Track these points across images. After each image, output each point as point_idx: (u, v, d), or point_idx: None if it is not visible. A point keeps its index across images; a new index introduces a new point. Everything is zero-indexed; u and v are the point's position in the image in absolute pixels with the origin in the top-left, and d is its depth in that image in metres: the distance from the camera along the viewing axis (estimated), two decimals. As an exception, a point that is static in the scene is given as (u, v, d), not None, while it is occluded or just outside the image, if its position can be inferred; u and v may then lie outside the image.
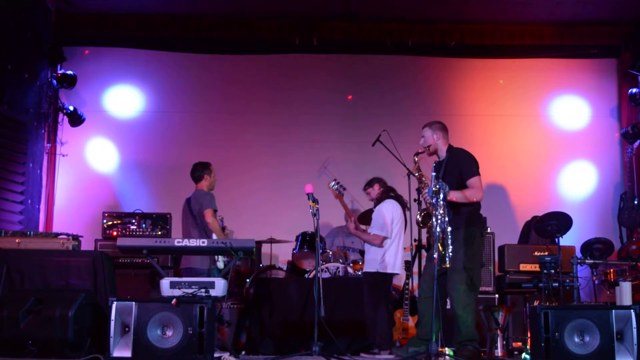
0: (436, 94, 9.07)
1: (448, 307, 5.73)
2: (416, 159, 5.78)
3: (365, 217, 7.12)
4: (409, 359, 5.47)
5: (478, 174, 5.59)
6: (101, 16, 8.75)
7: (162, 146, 8.87)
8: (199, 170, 6.57)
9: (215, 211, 6.38)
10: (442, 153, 5.75)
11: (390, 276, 6.41)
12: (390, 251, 6.33)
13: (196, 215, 6.40)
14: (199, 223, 6.39)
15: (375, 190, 6.55)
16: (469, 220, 5.50)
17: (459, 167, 5.62)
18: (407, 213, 6.65)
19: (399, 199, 6.52)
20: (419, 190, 6.22)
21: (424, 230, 7.10)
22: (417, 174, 5.81)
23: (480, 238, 5.60)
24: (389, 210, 6.37)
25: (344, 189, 7.66)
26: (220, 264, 6.44)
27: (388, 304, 6.41)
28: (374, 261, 6.36)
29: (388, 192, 6.50)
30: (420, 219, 5.68)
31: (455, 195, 5.44)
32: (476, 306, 5.60)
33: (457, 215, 5.47)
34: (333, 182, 7.61)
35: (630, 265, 6.70)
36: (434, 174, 5.36)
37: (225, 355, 5.21)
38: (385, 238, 6.31)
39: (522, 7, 8.48)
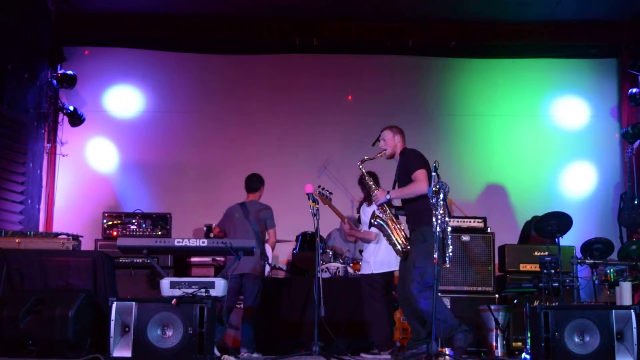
0: (436, 94, 9.06)
1: (449, 306, 5.74)
2: (361, 166, 5.84)
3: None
4: (408, 359, 5.48)
5: (422, 167, 5.55)
6: (101, 16, 8.74)
7: (162, 146, 8.87)
8: (258, 182, 7.06)
9: None
10: (397, 156, 5.78)
11: (386, 275, 6.40)
12: (380, 250, 6.35)
13: (254, 223, 6.76)
14: (257, 230, 6.73)
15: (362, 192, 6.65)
16: (419, 219, 5.49)
17: (405, 166, 5.63)
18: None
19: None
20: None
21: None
22: (365, 179, 5.86)
23: (430, 236, 5.54)
24: (372, 208, 6.42)
25: (330, 193, 7.64)
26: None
27: (388, 304, 6.41)
28: (367, 263, 6.40)
29: (369, 195, 6.55)
30: (375, 223, 5.73)
31: (396, 194, 5.56)
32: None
33: (411, 216, 5.57)
34: (318, 189, 7.46)
35: (630, 265, 6.69)
36: (434, 174, 5.36)
37: (225, 355, 5.21)
38: (377, 233, 6.35)
39: (522, 7, 8.47)
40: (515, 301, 7.12)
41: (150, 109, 8.98)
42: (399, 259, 6.50)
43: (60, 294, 5.41)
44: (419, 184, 5.48)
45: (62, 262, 5.89)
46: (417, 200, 5.52)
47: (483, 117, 8.97)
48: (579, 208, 8.50)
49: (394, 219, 5.71)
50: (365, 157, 5.82)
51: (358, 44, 8.98)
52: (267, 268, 6.96)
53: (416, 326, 5.60)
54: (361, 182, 6.67)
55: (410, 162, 5.62)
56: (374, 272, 6.35)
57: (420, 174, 5.52)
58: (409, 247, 5.58)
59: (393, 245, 5.71)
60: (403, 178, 5.61)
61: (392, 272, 6.44)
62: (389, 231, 5.66)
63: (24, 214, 7.87)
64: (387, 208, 5.71)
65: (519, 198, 8.80)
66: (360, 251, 7.40)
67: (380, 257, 6.36)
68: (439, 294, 5.72)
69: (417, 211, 5.49)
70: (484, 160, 8.64)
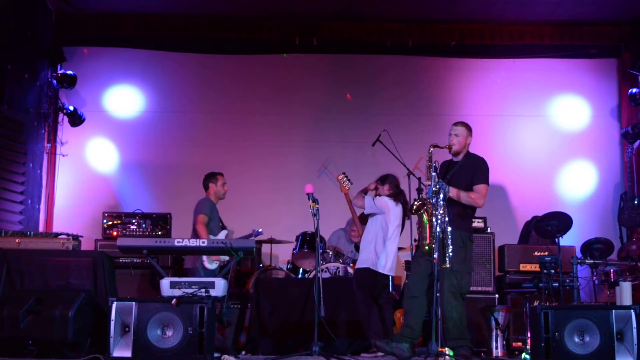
0: (436, 94, 9.06)
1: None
2: (431, 149, 5.56)
3: (365, 217, 7.12)
4: (408, 358, 5.48)
5: (487, 183, 5.63)
6: (101, 16, 8.74)
7: (162, 146, 8.87)
8: (205, 180, 7.10)
9: (206, 216, 6.77)
10: (461, 156, 5.76)
11: (381, 276, 6.39)
12: (383, 252, 6.34)
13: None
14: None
15: (385, 190, 6.57)
16: (461, 223, 5.49)
17: (471, 171, 5.63)
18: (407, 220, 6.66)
19: (405, 205, 6.55)
20: (419, 191, 6.21)
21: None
22: (428, 164, 5.72)
23: (469, 243, 5.62)
24: (392, 207, 6.40)
25: (351, 183, 7.62)
26: (210, 265, 6.61)
27: (387, 302, 6.40)
28: (366, 260, 6.39)
29: (397, 195, 6.52)
30: (415, 207, 5.62)
31: (457, 194, 5.47)
32: (464, 308, 5.58)
33: (451, 217, 5.50)
34: (342, 176, 7.23)
35: (630, 265, 6.70)
36: (434, 174, 5.36)
37: (225, 355, 5.21)
38: (364, 202, 6.36)
39: (522, 7, 8.47)
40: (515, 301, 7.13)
41: (150, 109, 8.98)
42: (394, 266, 6.51)
43: (60, 294, 5.42)
44: (482, 199, 5.57)
45: (62, 262, 5.91)
46: (464, 205, 5.55)
47: (483, 117, 8.96)
48: (579, 208, 8.50)
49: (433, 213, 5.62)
50: (438, 145, 5.62)
51: (358, 44, 8.97)
52: (205, 261, 6.79)
53: (415, 325, 5.58)
54: (383, 180, 6.61)
55: (480, 172, 5.65)
56: (371, 267, 6.34)
57: (484, 189, 5.59)
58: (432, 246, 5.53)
59: (422, 238, 5.53)
60: (462, 179, 5.57)
61: (382, 275, 6.42)
62: (426, 224, 5.51)
63: (24, 214, 7.87)
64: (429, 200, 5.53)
65: (519, 198, 8.80)
66: (357, 247, 7.38)
67: (380, 259, 6.36)
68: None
69: (460, 215, 5.49)
70: (484, 160, 8.63)
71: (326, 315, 5.45)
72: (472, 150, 5.83)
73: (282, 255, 8.39)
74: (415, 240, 7.25)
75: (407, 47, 8.88)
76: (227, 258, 6.78)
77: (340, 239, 8.11)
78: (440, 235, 5.15)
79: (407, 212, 6.57)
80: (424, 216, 5.49)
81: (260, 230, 7.33)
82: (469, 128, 5.79)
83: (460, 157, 5.75)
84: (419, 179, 5.81)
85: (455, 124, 5.81)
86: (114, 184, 8.83)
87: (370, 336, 6.20)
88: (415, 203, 5.61)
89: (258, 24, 8.86)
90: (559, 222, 6.90)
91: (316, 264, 5.69)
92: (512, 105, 9.00)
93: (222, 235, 6.99)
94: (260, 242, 8.00)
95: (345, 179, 7.21)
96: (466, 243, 5.54)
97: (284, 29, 8.86)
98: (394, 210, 6.42)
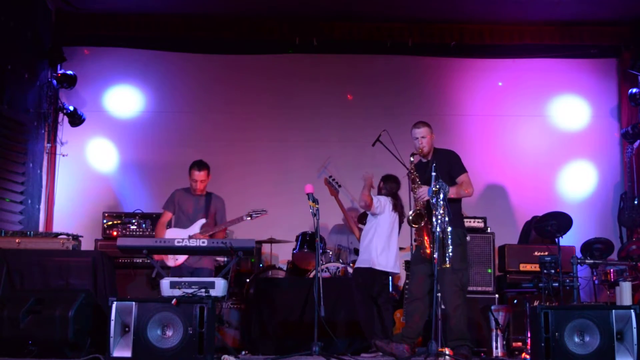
0: (436, 94, 9.06)
1: (443, 307, 5.74)
2: (412, 159, 5.71)
3: (364, 217, 7.13)
4: (408, 359, 5.48)
5: (466, 170, 5.72)
6: (101, 16, 8.74)
7: (162, 146, 8.86)
8: None
9: (165, 210, 6.66)
10: (430, 155, 5.78)
11: (381, 275, 6.39)
12: (383, 251, 6.35)
13: None
14: None
15: (381, 191, 6.61)
16: (455, 221, 5.50)
17: (447, 167, 5.66)
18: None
19: (401, 209, 6.56)
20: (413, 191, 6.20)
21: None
22: (412, 175, 5.78)
23: (464, 239, 5.64)
24: (386, 206, 6.42)
25: (339, 185, 7.64)
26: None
27: (380, 301, 6.41)
28: (366, 260, 6.41)
29: (392, 198, 6.52)
30: (411, 219, 5.65)
31: (456, 191, 5.55)
32: (467, 306, 5.61)
33: (450, 217, 5.50)
34: (329, 179, 7.47)
35: (630, 265, 6.70)
36: (434, 174, 5.37)
37: (225, 355, 5.21)
38: (372, 203, 6.32)
39: (522, 7, 8.47)
40: (515, 301, 7.13)
41: (150, 109, 8.98)
42: (398, 261, 6.52)
43: (60, 294, 5.42)
44: (471, 187, 5.66)
45: (62, 262, 5.92)
46: (454, 203, 5.55)
47: (483, 117, 8.97)
48: (579, 208, 8.50)
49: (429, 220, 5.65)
50: (415, 152, 5.71)
51: (358, 44, 8.97)
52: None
53: (416, 326, 5.59)
54: (386, 179, 6.63)
55: (455, 164, 5.71)
56: (371, 267, 6.34)
57: (467, 177, 5.68)
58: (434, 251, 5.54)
59: (421, 244, 5.57)
60: (443, 178, 5.55)
61: (382, 273, 6.43)
62: (425, 231, 5.57)
63: (24, 214, 7.87)
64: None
65: (519, 198, 8.80)
66: (357, 250, 7.40)
67: (390, 260, 6.37)
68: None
69: (456, 213, 5.49)
70: (483, 160, 8.64)
71: (326, 315, 5.46)
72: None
73: (282, 255, 8.39)
74: (414, 240, 7.25)
75: (407, 47, 8.87)
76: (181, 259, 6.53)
77: (337, 237, 8.13)
78: (440, 235, 5.15)
79: (402, 216, 6.60)
80: (422, 223, 5.52)
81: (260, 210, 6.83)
82: (430, 126, 5.82)
83: (429, 156, 5.78)
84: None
85: (417, 126, 5.79)
86: (114, 184, 8.82)
87: (370, 336, 6.21)
88: (410, 217, 5.62)
89: (258, 24, 8.86)
90: (559, 222, 6.91)
91: (316, 264, 5.69)
92: (512, 105, 9.00)
93: (197, 226, 6.61)
94: (260, 242, 8.00)
95: (333, 182, 7.29)
96: (462, 240, 5.60)
97: (284, 29, 8.86)
98: (391, 211, 6.46)
